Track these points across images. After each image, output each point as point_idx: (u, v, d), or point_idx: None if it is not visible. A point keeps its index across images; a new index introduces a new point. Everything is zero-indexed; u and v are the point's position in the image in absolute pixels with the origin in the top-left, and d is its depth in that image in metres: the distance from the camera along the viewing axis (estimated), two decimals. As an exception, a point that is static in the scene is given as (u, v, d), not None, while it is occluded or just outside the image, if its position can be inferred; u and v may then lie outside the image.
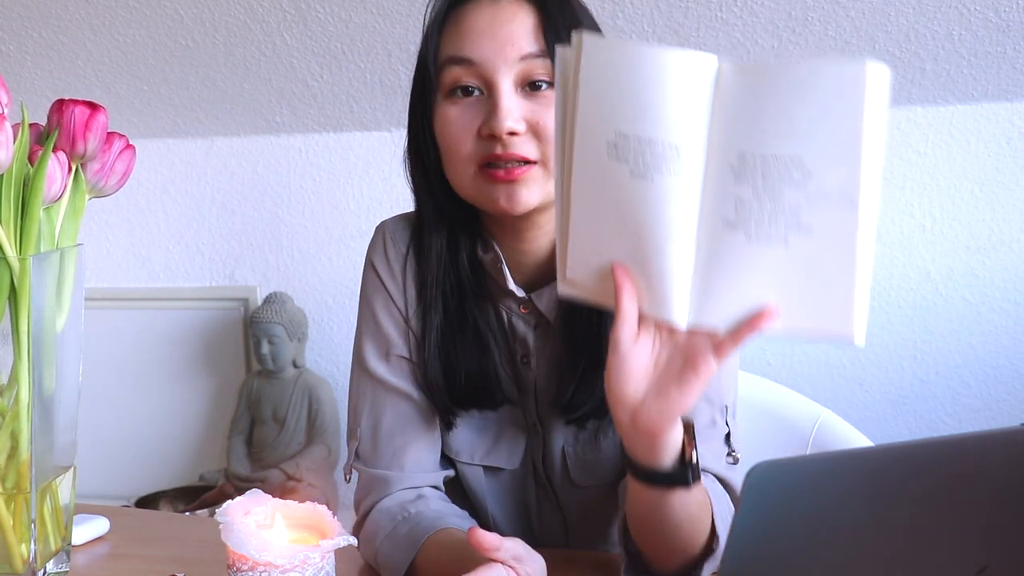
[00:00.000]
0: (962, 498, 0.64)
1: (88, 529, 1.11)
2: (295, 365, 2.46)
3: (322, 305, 2.54)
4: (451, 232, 1.04)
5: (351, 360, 1.11)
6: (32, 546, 0.91)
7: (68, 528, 0.98)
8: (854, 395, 2.29)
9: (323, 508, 0.82)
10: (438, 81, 0.97)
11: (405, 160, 1.04)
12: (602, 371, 0.82)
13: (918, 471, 0.63)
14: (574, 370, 1.01)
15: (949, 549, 0.66)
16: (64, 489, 0.96)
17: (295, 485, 2.32)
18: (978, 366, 2.26)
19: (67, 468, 0.97)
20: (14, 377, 0.88)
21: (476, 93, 0.95)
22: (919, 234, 2.25)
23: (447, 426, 1.06)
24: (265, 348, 2.41)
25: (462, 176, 0.97)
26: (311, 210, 2.53)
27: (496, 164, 0.94)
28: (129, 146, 0.96)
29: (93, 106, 0.90)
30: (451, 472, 1.08)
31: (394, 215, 1.11)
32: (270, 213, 2.55)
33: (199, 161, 2.57)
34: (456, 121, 0.95)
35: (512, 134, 0.93)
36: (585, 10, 1.00)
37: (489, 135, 0.93)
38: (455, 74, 0.95)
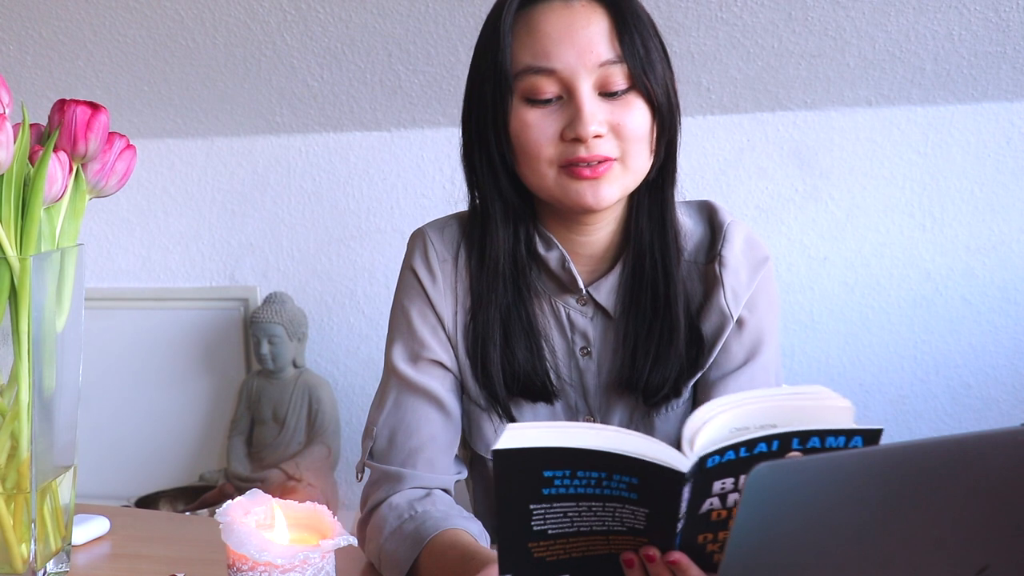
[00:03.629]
0: (962, 498, 0.64)
1: (88, 529, 1.11)
2: (295, 365, 2.46)
3: (322, 305, 2.54)
4: (515, 228, 1.06)
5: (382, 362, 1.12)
6: (32, 546, 0.91)
7: (68, 528, 0.98)
8: (854, 395, 2.28)
9: (323, 508, 0.82)
10: (514, 87, 0.99)
11: (463, 156, 1.06)
12: (671, 352, 0.94)
13: (918, 471, 0.63)
14: (647, 354, 1.04)
15: (949, 549, 0.66)
16: (64, 489, 0.96)
17: (295, 485, 2.32)
18: (978, 366, 2.26)
19: (67, 468, 0.97)
20: (14, 377, 0.88)
21: (556, 98, 0.98)
22: (919, 234, 2.25)
23: (510, 420, 1.07)
24: (265, 348, 2.41)
25: (543, 176, 1.00)
26: (311, 210, 2.53)
27: (579, 164, 0.97)
28: (129, 146, 0.96)
29: (94, 106, 0.90)
30: (464, 474, 1.09)
31: (429, 222, 1.13)
32: (270, 213, 2.55)
33: (199, 161, 2.57)
34: (537, 125, 0.98)
35: (596, 136, 0.96)
36: (643, 8, 1.02)
37: (573, 139, 0.96)
38: (534, 82, 0.97)
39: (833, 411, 0.78)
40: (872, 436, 0.75)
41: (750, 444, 0.73)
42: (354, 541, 0.80)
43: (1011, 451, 0.64)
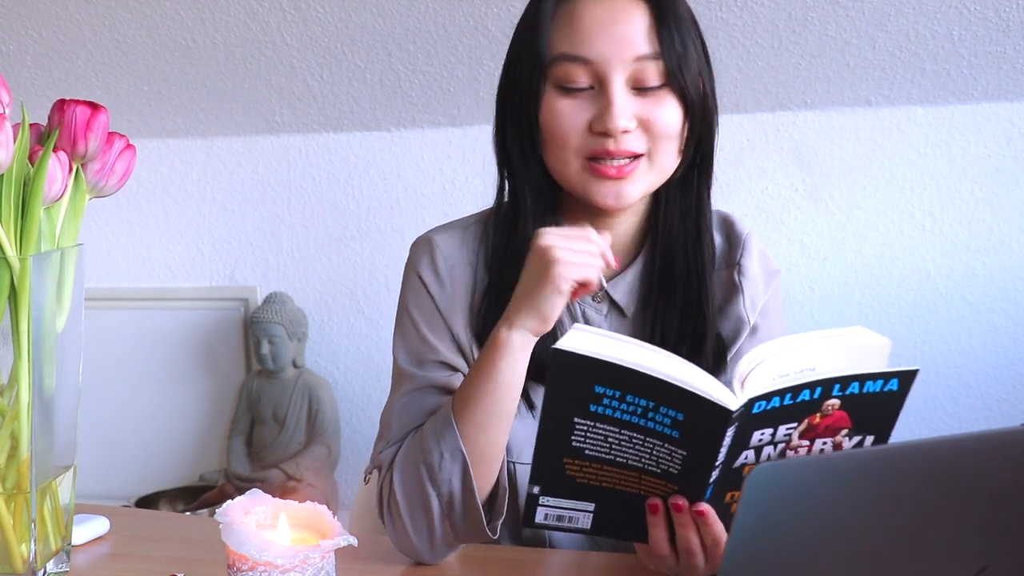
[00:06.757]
0: (962, 498, 0.64)
1: (88, 529, 1.10)
2: (295, 365, 2.46)
3: (322, 305, 2.54)
4: (542, 218, 1.03)
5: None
6: (32, 546, 0.90)
7: (68, 528, 0.98)
8: (854, 395, 2.28)
9: (323, 508, 0.82)
10: (548, 72, 0.98)
11: (496, 143, 1.05)
12: (701, 356, 0.91)
13: (918, 471, 0.63)
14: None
15: (949, 549, 0.66)
16: (64, 489, 0.96)
17: (295, 485, 2.32)
18: (978, 366, 2.26)
19: (67, 468, 0.97)
20: (14, 377, 0.88)
21: (588, 88, 0.97)
22: (919, 234, 2.25)
23: (528, 404, 1.05)
24: (265, 348, 2.41)
25: (567, 167, 0.99)
26: (311, 210, 2.53)
27: (605, 160, 0.96)
28: (129, 146, 0.96)
29: (94, 106, 0.90)
30: None
31: (435, 228, 1.11)
32: (270, 213, 2.55)
33: (199, 161, 2.57)
34: (567, 113, 0.97)
35: (624, 132, 0.95)
36: (686, 6, 1.01)
37: (602, 131, 0.95)
38: (568, 70, 0.97)
39: (869, 349, 0.80)
40: (907, 377, 0.76)
41: (795, 391, 0.75)
42: (354, 541, 0.79)
43: (1011, 451, 0.64)
